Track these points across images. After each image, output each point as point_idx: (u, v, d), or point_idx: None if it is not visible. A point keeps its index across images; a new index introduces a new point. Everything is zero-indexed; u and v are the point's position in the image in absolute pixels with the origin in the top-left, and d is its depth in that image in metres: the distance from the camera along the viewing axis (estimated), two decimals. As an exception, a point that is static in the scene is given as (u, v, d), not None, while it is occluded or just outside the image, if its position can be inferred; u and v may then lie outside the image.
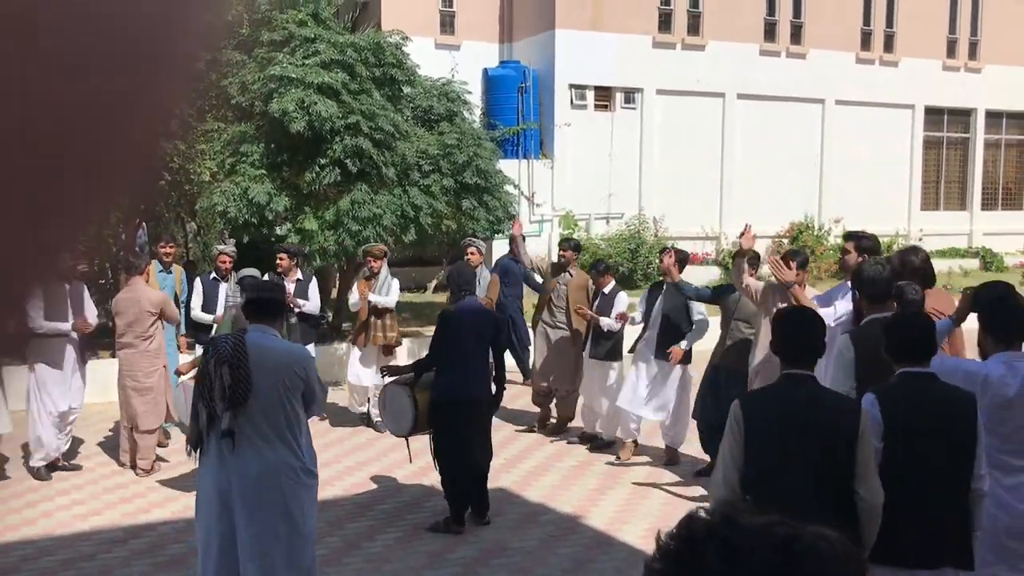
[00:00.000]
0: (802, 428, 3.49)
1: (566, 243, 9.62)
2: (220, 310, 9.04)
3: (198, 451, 4.69)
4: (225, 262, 9.33)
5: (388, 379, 6.85)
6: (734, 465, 3.52)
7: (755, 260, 7.17)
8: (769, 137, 20.53)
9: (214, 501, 4.56)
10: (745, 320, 7.31)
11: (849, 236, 6.62)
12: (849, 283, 5.95)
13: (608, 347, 8.56)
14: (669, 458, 8.26)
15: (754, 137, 20.44)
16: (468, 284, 6.63)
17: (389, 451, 8.61)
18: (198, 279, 9.40)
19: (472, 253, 9.56)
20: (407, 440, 6.88)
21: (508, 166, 16.56)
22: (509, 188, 15.07)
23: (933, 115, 22.88)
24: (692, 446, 8.26)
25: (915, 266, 5.61)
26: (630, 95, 19.32)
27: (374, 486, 7.71)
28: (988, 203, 23.98)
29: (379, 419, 8.53)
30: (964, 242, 22.86)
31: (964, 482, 3.73)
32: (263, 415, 4.50)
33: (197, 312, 9.14)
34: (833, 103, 21.33)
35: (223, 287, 9.21)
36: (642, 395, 8.04)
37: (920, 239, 21.90)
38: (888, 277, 5.01)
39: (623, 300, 8.59)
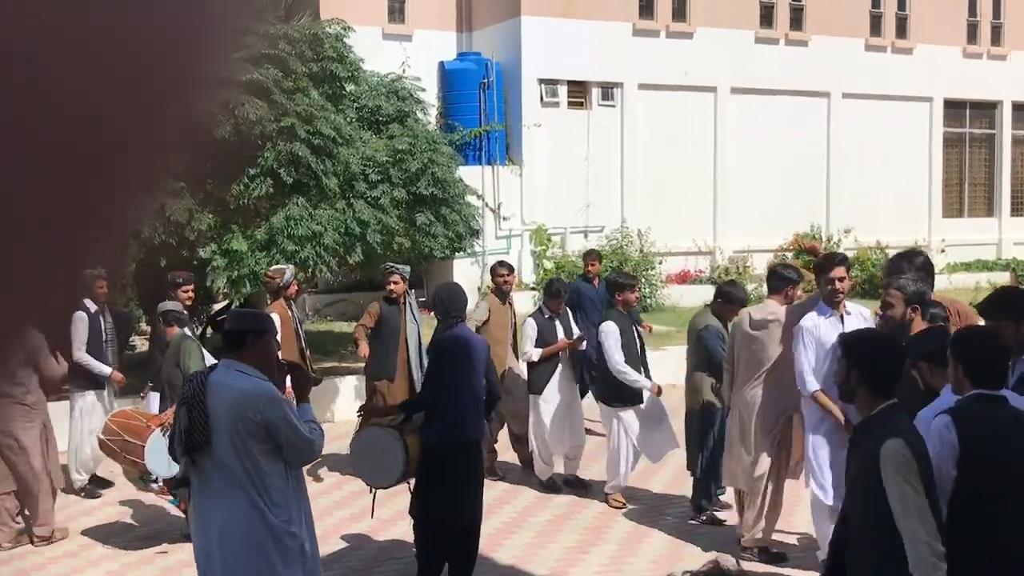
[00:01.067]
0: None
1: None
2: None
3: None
4: (102, 287, 8.97)
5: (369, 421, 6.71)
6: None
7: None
8: (768, 137, 20.64)
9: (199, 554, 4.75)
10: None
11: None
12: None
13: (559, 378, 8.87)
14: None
15: (751, 137, 20.53)
16: (459, 309, 6.54)
17: (349, 501, 8.49)
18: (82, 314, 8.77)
19: (395, 283, 9.16)
20: (374, 492, 6.71)
21: (469, 174, 16.53)
22: (471, 199, 15.02)
23: (954, 109, 23.15)
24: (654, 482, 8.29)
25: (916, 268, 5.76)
26: (608, 91, 19.35)
27: (341, 542, 7.61)
28: (1019, 208, 24.25)
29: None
30: (992, 252, 23.08)
31: None
32: (222, 464, 4.56)
33: (82, 355, 8.71)
34: (840, 96, 21.51)
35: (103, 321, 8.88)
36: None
37: (943, 250, 22.08)
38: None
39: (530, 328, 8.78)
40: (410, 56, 17.34)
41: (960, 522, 3.65)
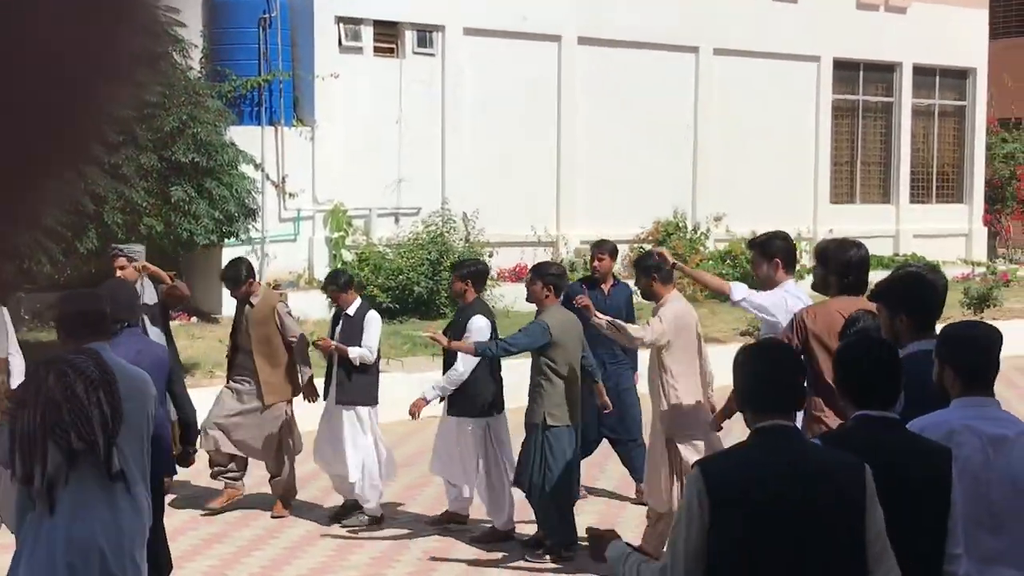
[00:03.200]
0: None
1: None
2: None
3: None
4: None
5: None
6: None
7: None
8: (624, 100, 20.76)
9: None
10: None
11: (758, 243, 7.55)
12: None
13: (357, 387, 9.44)
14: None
15: (603, 100, 20.62)
16: (127, 311, 6.86)
17: None
18: None
19: (121, 267, 9.47)
20: None
21: (245, 136, 16.04)
22: (246, 169, 14.67)
23: (845, 71, 23.84)
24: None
25: (852, 263, 6.60)
26: (427, 35, 19.14)
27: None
28: (919, 193, 25.19)
29: None
30: (888, 247, 23.88)
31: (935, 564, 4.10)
32: (126, 456, 5.13)
33: None
34: (710, 53, 21.83)
35: None
36: None
37: (831, 243, 22.66)
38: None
39: (375, 323, 9.51)
40: (167, -19, 16.66)
41: None
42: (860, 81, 24.25)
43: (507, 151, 19.72)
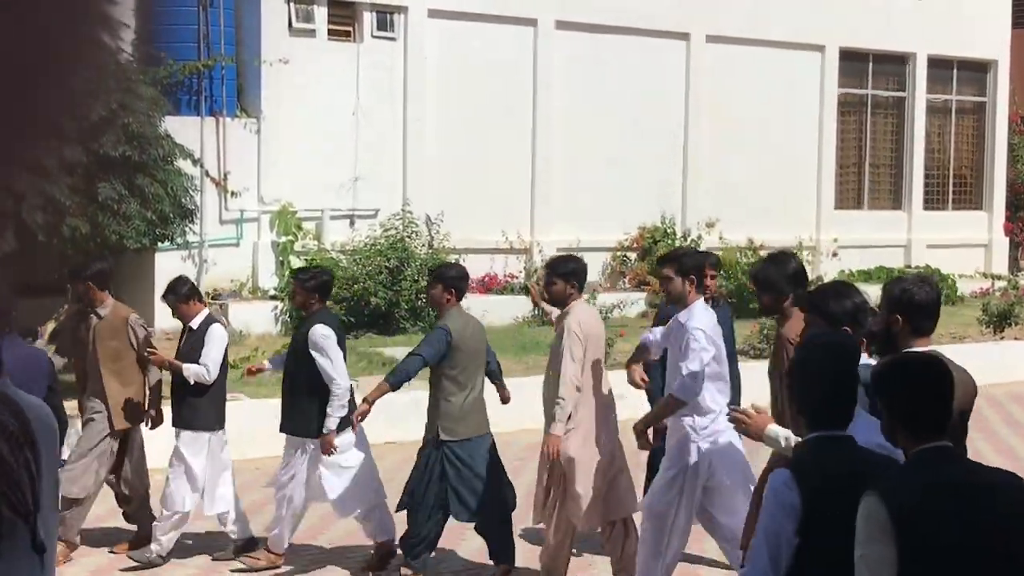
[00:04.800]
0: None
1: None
2: None
3: None
4: None
5: None
6: None
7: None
8: (607, 92, 20.82)
9: None
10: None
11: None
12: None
13: (195, 408, 9.53)
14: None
15: (584, 91, 20.68)
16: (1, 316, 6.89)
17: None
18: None
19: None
20: None
21: (182, 128, 16.12)
22: (184, 165, 14.64)
23: (852, 62, 23.96)
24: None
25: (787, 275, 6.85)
26: (387, 17, 19.19)
27: None
28: (934, 199, 25.33)
29: None
30: (900, 258, 24.00)
31: None
32: (45, 519, 4.83)
33: None
34: (703, 40, 21.93)
35: None
36: None
37: (834, 253, 22.77)
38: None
39: (217, 339, 9.51)
40: (96, -47, 16.62)
41: None
42: (869, 73, 24.38)
43: (476, 148, 19.75)
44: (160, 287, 16.37)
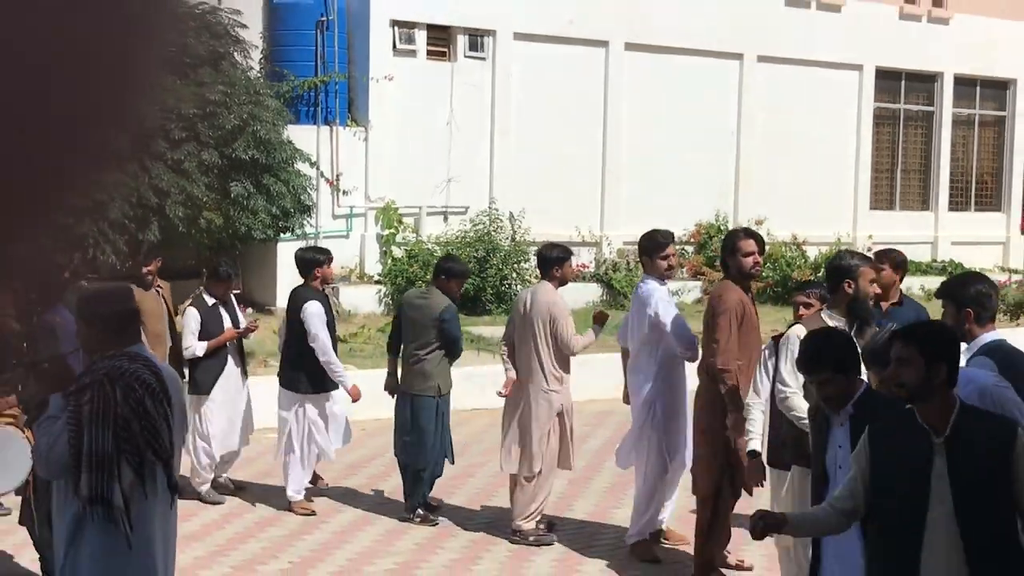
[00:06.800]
0: None
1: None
2: None
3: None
4: None
5: None
6: None
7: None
8: (668, 104, 20.76)
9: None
10: None
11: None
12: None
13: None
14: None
15: (648, 104, 20.61)
16: None
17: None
18: None
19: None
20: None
21: (301, 135, 16.19)
22: (302, 167, 14.77)
23: (887, 80, 23.72)
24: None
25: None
26: (478, 39, 19.19)
27: None
28: (957, 201, 25.03)
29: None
30: (927, 253, 23.75)
31: None
32: (176, 465, 5.24)
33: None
34: (754, 60, 21.79)
35: None
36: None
37: (869, 248, 22.53)
38: None
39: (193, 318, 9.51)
40: (229, -16, 16.82)
41: None
42: (902, 90, 24.13)
43: (553, 153, 19.75)
44: (282, 273, 16.78)
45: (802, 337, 5.87)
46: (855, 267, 6.50)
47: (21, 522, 7.37)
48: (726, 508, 7.77)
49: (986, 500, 4.26)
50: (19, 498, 7.44)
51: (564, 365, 8.72)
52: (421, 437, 9.01)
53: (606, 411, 12.14)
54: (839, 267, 6.57)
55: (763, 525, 4.58)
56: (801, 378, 5.94)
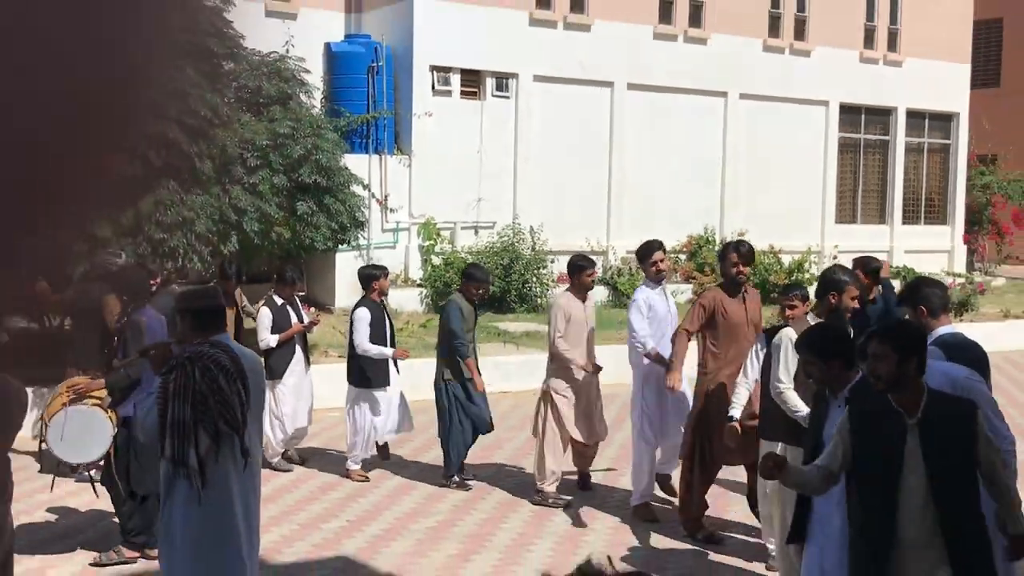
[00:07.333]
0: None
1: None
2: None
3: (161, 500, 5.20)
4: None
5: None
6: None
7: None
8: (665, 135, 20.76)
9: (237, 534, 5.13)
10: None
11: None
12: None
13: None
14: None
15: (648, 134, 20.62)
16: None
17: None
18: None
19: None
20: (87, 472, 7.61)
21: (355, 162, 16.26)
22: (356, 189, 14.83)
23: (849, 114, 23.65)
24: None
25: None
26: (503, 81, 19.23)
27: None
28: (910, 216, 24.93)
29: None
30: (884, 260, 23.60)
31: None
32: (251, 434, 5.18)
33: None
34: (737, 96, 21.75)
35: None
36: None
37: (835, 256, 22.51)
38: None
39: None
40: (295, 36, 16.83)
41: None
42: (862, 122, 24.04)
43: (567, 176, 19.77)
44: (339, 278, 16.86)
45: (793, 339, 6.04)
46: (843, 283, 6.51)
47: (102, 483, 7.50)
48: (703, 469, 7.80)
49: (953, 469, 4.32)
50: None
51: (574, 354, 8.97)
52: (440, 417, 9.19)
53: (610, 395, 12.12)
54: (831, 280, 6.58)
55: (772, 463, 4.66)
56: (793, 373, 6.19)
